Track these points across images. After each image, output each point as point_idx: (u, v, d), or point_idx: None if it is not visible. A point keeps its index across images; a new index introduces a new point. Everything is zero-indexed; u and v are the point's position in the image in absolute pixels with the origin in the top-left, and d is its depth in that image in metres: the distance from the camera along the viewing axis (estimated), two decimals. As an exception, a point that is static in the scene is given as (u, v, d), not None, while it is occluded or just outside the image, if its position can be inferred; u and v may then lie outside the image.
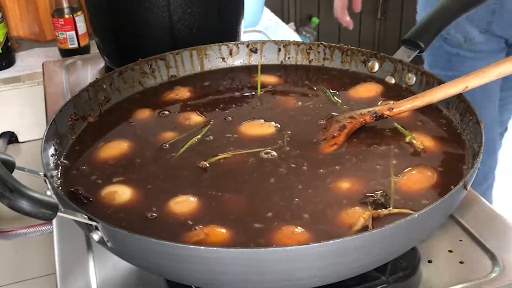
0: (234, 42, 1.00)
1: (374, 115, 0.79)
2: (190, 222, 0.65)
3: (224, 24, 1.16)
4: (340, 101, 0.88)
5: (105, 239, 0.60)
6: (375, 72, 0.94)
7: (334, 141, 0.77)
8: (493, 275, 0.70)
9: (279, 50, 1.00)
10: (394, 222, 0.56)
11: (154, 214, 0.67)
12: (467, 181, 0.64)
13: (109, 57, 1.22)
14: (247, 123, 0.84)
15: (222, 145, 0.78)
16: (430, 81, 0.85)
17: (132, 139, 0.81)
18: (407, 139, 0.77)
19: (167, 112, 0.88)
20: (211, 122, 0.84)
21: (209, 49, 0.99)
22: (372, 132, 0.80)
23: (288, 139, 0.79)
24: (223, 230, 0.63)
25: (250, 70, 0.99)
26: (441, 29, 0.93)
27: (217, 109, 0.88)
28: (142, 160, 0.77)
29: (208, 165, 0.74)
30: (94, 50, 1.42)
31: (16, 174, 0.58)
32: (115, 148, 0.79)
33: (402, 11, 3.16)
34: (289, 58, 1.00)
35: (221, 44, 0.99)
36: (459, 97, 0.79)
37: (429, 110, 0.82)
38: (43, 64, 1.36)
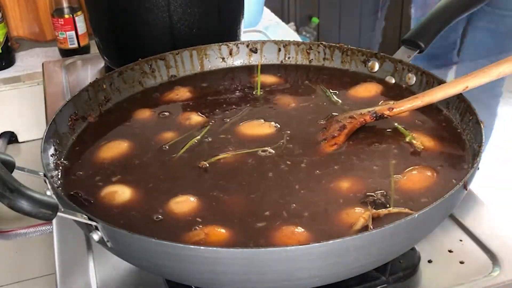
0: (234, 42, 1.00)
1: (374, 115, 0.79)
2: (190, 222, 0.65)
3: (224, 24, 1.16)
4: (340, 101, 0.88)
5: (105, 239, 0.60)
6: (375, 72, 0.94)
7: (334, 141, 0.77)
8: (493, 275, 0.70)
9: (279, 50, 1.00)
10: (394, 222, 0.57)
11: (154, 214, 0.67)
12: (467, 181, 0.64)
13: (109, 57, 1.22)
14: (247, 123, 0.84)
15: (222, 145, 0.78)
16: (430, 81, 0.85)
17: (132, 139, 0.81)
18: (407, 139, 0.77)
19: (167, 113, 0.88)
20: (211, 122, 0.84)
21: (209, 49, 0.99)
22: (372, 132, 0.79)
23: (288, 139, 0.79)
24: (223, 230, 0.63)
25: (250, 70, 0.99)
26: (441, 29, 0.93)
27: (217, 109, 0.88)
28: (142, 160, 0.77)
29: (208, 165, 0.74)
30: (94, 50, 1.42)
31: (16, 174, 0.58)
32: (115, 148, 0.79)
33: (402, 11, 3.16)
34: (289, 58, 1.00)
35: (221, 44, 0.99)
36: (459, 97, 0.79)
37: (429, 110, 0.82)
38: (43, 64, 1.36)
